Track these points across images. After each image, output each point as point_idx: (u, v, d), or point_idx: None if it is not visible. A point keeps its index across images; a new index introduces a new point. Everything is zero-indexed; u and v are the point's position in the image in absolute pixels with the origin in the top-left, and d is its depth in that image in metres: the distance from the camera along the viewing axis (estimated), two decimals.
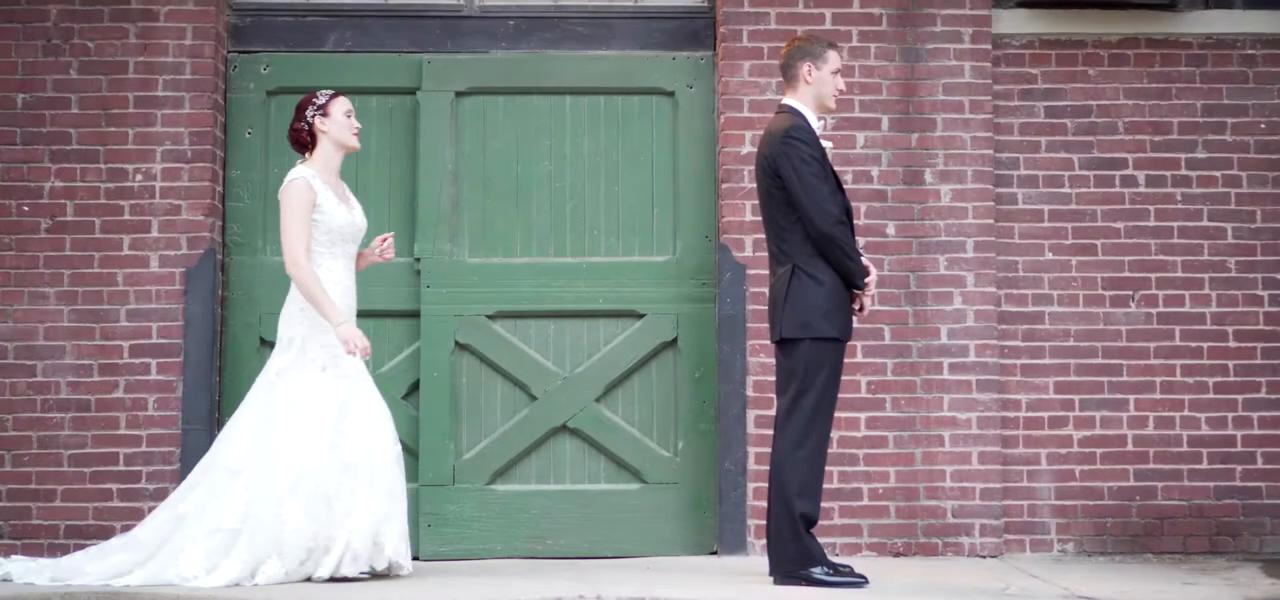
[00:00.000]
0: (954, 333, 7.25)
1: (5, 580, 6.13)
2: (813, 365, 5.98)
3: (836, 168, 6.30)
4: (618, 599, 5.43)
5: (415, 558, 7.03)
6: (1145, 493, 7.32)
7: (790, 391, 6.02)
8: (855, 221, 6.42)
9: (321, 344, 6.20)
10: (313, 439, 6.04)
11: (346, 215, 6.31)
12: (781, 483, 5.96)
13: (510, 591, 5.75)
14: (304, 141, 6.38)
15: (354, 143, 6.43)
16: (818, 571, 5.92)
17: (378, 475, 6.11)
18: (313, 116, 6.35)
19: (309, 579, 5.98)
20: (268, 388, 6.22)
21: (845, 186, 6.34)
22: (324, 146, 6.36)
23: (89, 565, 6.11)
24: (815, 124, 6.15)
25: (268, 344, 7.38)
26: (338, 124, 6.36)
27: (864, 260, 6.10)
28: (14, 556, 6.51)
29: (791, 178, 5.98)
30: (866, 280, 6.08)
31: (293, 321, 6.26)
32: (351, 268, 6.38)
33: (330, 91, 6.45)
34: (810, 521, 5.95)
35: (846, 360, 7.03)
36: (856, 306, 6.15)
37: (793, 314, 6.00)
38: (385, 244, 6.50)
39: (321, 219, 6.23)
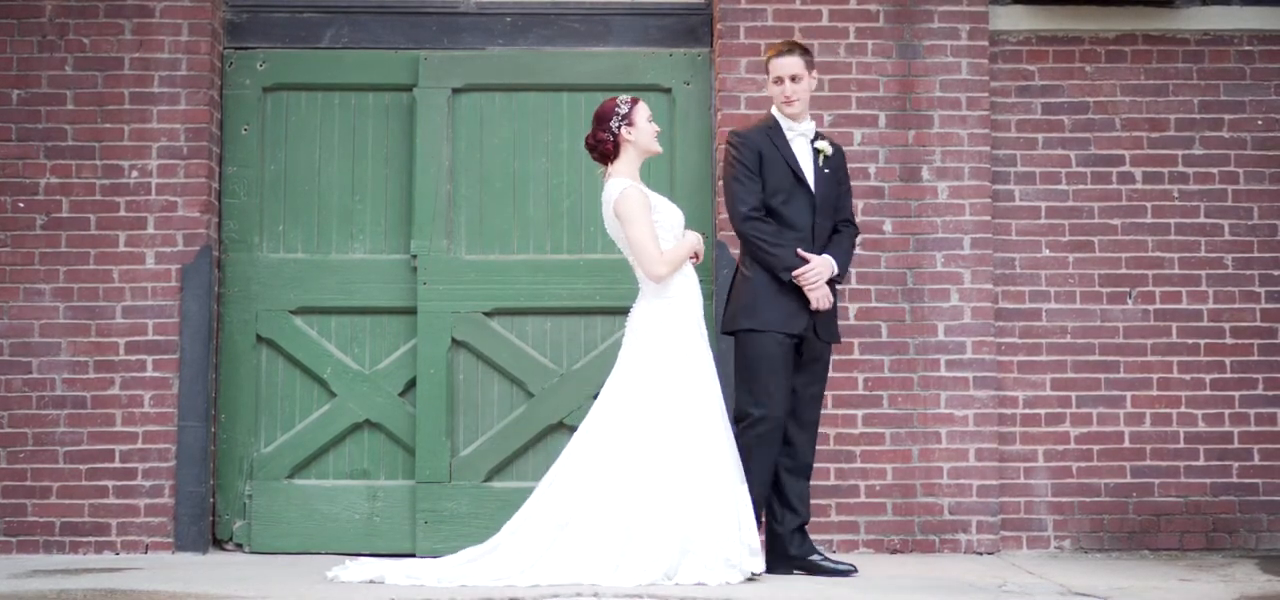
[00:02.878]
0: (951, 329, 7.25)
1: (376, 582, 5.87)
2: (742, 357, 6.17)
3: None
4: (616, 595, 5.42)
5: (411, 555, 7.05)
6: (1142, 489, 7.32)
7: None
8: (855, 219, 6.46)
9: (673, 343, 6.05)
10: (683, 439, 5.89)
11: (674, 211, 6.20)
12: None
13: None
14: (607, 151, 6.17)
15: (658, 147, 6.25)
16: (815, 557, 6.11)
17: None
18: (618, 127, 6.14)
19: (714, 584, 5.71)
20: (637, 389, 5.99)
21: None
22: (628, 154, 6.16)
23: (471, 573, 5.82)
24: (799, 126, 6.21)
25: (264, 341, 7.39)
26: (643, 132, 6.16)
27: (803, 252, 6.11)
28: (381, 559, 6.37)
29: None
30: (798, 272, 6.09)
31: (651, 324, 6.08)
32: None
33: (630, 98, 6.24)
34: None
35: (843, 357, 7.06)
36: (812, 302, 6.14)
37: (728, 310, 6.27)
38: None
39: (659, 219, 6.12)
